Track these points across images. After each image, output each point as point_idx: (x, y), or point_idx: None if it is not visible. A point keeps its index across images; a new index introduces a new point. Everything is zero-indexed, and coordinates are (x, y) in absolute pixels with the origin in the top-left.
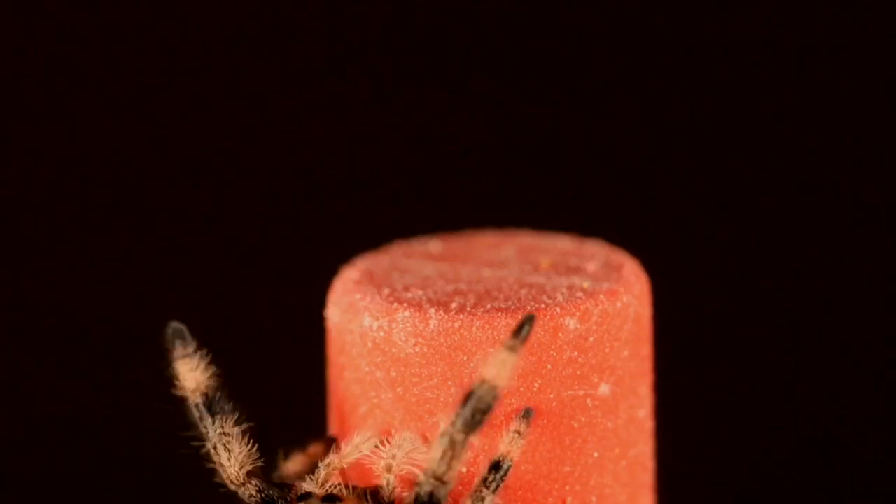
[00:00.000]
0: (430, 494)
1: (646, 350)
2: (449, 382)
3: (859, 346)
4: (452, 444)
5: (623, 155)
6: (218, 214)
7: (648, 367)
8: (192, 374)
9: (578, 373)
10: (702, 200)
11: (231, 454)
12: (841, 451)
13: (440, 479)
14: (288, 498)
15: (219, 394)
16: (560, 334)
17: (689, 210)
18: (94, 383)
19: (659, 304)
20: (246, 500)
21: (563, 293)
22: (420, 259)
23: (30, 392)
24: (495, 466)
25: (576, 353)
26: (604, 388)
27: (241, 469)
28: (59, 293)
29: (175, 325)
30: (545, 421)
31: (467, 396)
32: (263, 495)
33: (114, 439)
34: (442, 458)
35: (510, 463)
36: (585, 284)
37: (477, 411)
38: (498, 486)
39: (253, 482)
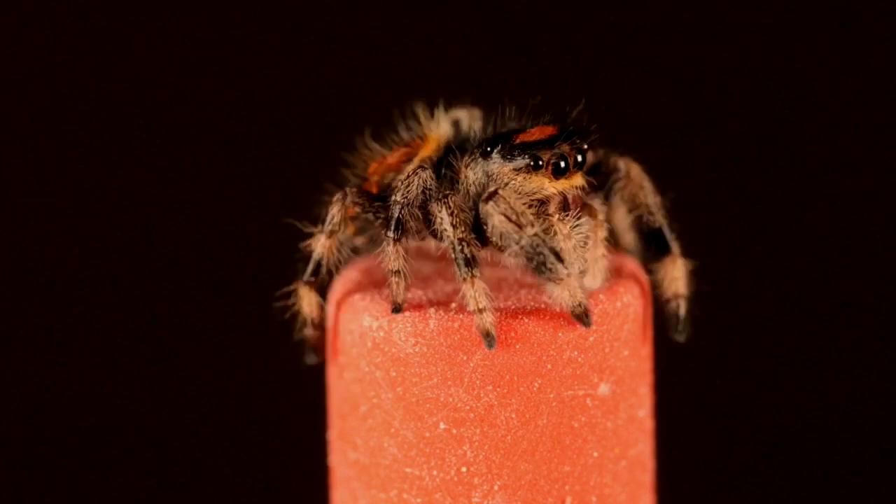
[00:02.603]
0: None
1: (646, 350)
2: (449, 382)
3: (860, 346)
4: None
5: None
6: (218, 213)
7: (648, 367)
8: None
9: (578, 373)
10: (701, 200)
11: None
12: (841, 451)
13: None
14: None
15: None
16: (560, 334)
17: (688, 210)
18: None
19: (659, 304)
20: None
21: None
22: (420, 259)
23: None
24: None
25: (576, 353)
26: (604, 388)
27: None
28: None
29: None
30: (545, 421)
31: None
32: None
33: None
34: None
35: None
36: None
37: None
38: None
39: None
